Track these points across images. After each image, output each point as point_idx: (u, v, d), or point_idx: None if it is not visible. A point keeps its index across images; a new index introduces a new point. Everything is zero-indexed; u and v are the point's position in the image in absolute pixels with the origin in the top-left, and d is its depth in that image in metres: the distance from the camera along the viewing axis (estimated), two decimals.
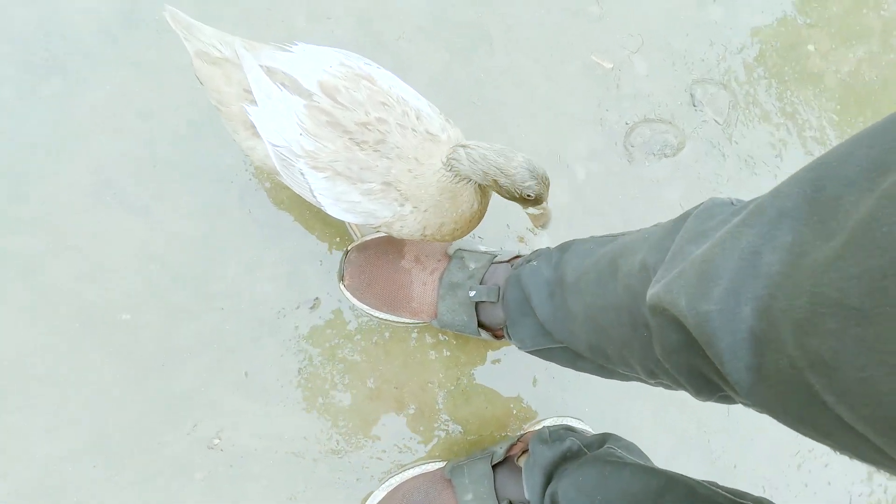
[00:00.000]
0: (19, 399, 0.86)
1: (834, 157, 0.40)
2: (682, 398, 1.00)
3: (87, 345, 0.89)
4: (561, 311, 0.72)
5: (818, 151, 1.17)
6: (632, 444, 0.81)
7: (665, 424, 1.03)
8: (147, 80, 0.94)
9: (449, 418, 0.96)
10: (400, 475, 0.91)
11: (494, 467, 0.85)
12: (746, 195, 1.16)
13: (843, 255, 0.34)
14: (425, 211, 0.71)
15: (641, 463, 0.73)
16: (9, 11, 0.92)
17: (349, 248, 0.92)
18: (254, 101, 0.68)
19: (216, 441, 0.91)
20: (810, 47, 1.21)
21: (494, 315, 0.84)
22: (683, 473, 0.68)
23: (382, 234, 0.92)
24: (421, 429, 0.95)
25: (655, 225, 0.64)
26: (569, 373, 0.87)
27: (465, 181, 0.67)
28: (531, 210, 0.68)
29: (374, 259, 0.89)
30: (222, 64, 0.69)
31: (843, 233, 0.35)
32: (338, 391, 0.94)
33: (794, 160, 1.15)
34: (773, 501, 0.60)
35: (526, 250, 1.01)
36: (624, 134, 1.08)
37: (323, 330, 0.95)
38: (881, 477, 1.13)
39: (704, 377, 0.50)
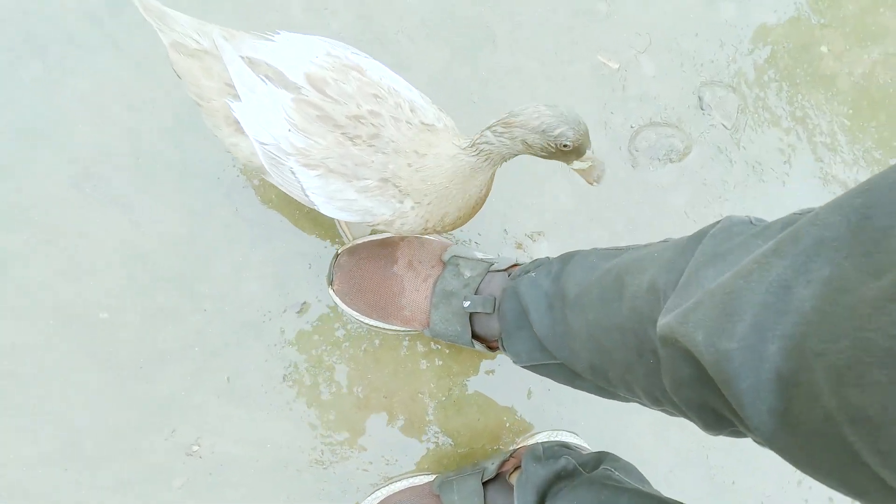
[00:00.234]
0: None
1: (884, 182, 0.35)
2: None
3: (62, 344, 0.85)
4: (560, 326, 0.68)
5: (828, 158, 1.13)
6: (630, 465, 0.77)
7: (663, 440, 0.99)
8: (133, 69, 0.89)
9: (439, 430, 0.93)
10: (387, 488, 0.88)
11: (485, 484, 0.81)
12: (753, 202, 1.13)
13: (895, 296, 0.30)
14: (428, 204, 0.67)
15: (640, 488, 0.69)
16: None
17: (339, 251, 0.88)
18: (237, 96, 0.64)
19: (195, 448, 0.87)
20: (823, 48, 1.16)
21: (489, 326, 0.80)
22: (683, 502, 0.65)
23: (375, 238, 0.88)
24: (410, 440, 0.92)
25: (665, 241, 0.60)
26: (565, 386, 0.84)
27: (490, 163, 0.63)
28: (577, 165, 0.63)
29: (366, 263, 0.85)
30: (201, 56, 0.65)
31: (894, 270, 0.31)
32: (324, 399, 0.90)
33: (804, 167, 1.11)
34: None
35: (524, 257, 0.97)
36: (629, 138, 1.04)
37: (310, 335, 0.91)
38: None
39: (716, 412, 0.46)
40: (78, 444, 0.84)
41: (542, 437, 0.91)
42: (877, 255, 0.33)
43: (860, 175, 1.14)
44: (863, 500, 0.36)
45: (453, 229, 0.73)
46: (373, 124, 0.64)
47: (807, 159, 1.12)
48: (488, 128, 0.60)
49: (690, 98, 1.08)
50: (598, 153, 1.02)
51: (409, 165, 0.66)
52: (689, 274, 0.48)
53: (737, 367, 0.38)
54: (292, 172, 0.67)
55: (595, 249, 0.71)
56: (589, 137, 0.60)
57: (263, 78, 0.64)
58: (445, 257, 0.84)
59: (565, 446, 0.84)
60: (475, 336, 0.82)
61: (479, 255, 0.85)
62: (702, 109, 1.08)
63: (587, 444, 0.93)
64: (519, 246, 0.98)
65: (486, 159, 0.63)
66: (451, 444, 0.93)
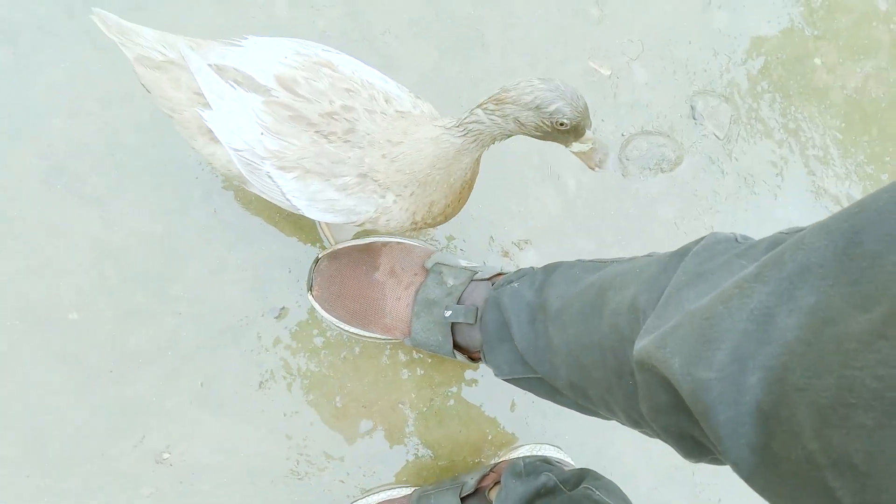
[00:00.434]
0: None
1: (874, 205, 0.33)
2: None
3: (29, 344, 0.82)
4: (542, 340, 0.66)
5: (820, 171, 1.12)
6: (611, 483, 0.75)
7: (648, 455, 0.97)
8: (108, 62, 0.86)
9: (419, 441, 0.90)
10: (364, 500, 0.85)
11: (464, 499, 0.79)
12: (745, 214, 1.11)
13: (884, 333, 0.28)
14: (411, 195, 0.65)
15: None
16: None
17: (320, 256, 0.85)
18: (207, 105, 0.62)
19: (166, 455, 0.84)
20: (817, 60, 1.15)
21: (471, 337, 0.78)
22: None
23: (357, 243, 0.85)
24: (389, 452, 0.89)
25: (649, 255, 0.58)
26: None
27: (478, 144, 0.60)
28: (576, 147, 0.58)
29: (346, 269, 0.83)
30: (167, 68, 0.63)
31: (884, 303, 0.29)
32: (301, 408, 0.88)
33: (796, 180, 1.10)
34: None
35: (510, 266, 0.95)
36: (619, 146, 1.02)
37: (288, 342, 0.88)
38: None
39: (694, 440, 0.44)
40: (42, 450, 0.81)
41: (524, 451, 0.89)
42: (865, 284, 0.31)
43: (852, 189, 1.13)
44: None
45: (446, 220, 0.70)
46: (346, 119, 0.62)
47: (799, 172, 1.10)
48: (479, 105, 0.57)
49: (683, 107, 1.06)
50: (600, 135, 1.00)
51: (384, 157, 0.63)
52: (670, 294, 0.46)
53: (714, 397, 0.36)
54: (269, 177, 0.65)
55: (579, 261, 0.69)
56: (589, 115, 0.55)
57: (232, 83, 0.62)
58: (429, 264, 0.82)
59: (547, 462, 0.82)
60: (457, 346, 0.80)
61: (464, 263, 0.83)
62: (694, 119, 1.06)
63: (570, 458, 0.91)
64: (505, 254, 0.95)
65: (475, 140, 0.59)
66: (431, 457, 0.91)
